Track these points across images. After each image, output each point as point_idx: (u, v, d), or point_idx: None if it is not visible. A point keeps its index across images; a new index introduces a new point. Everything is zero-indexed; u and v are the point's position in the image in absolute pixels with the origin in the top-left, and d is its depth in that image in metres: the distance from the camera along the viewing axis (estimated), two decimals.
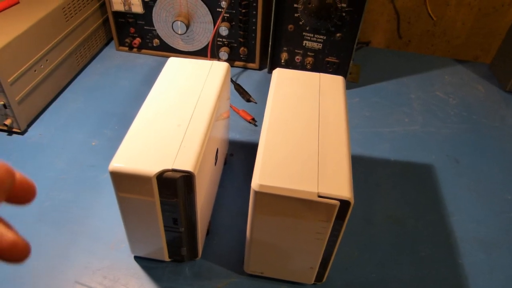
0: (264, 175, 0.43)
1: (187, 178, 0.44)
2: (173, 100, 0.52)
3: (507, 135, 0.78)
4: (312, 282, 0.52)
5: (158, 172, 0.43)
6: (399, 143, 0.75)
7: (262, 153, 0.45)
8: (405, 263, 0.56)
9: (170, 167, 0.43)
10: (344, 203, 0.42)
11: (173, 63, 0.59)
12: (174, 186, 0.44)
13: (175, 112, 0.50)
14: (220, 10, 0.82)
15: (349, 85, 0.88)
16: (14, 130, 0.71)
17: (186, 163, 0.44)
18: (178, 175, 0.43)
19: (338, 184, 0.43)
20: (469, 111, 0.83)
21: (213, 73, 0.57)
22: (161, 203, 0.46)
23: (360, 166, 0.70)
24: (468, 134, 0.78)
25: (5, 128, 0.71)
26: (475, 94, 0.89)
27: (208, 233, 0.58)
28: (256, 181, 0.42)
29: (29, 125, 0.73)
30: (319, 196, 0.42)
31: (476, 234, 0.60)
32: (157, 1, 0.83)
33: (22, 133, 0.71)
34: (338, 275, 0.54)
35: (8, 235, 0.23)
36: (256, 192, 0.42)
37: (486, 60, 1.10)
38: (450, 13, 1.06)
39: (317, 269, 0.50)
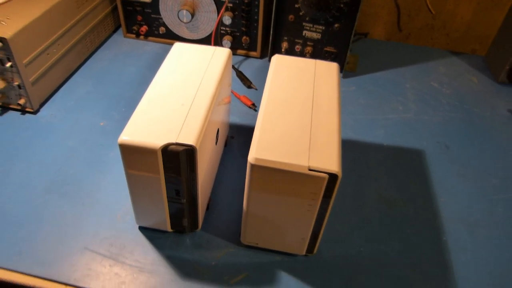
0: (260, 149, 0.47)
1: (190, 152, 0.48)
2: (177, 81, 0.56)
3: (497, 124, 0.81)
4: (304, 253, 0.56)
5: (163, 145, 0.47)
6: (393, 129, 0.78)
7: (259, 131, 0.49)
8: (393, 239, 0.60)
9: (174, 141, 0.47)
10: (333, 176, 0.46)
11: (179, 48, 0.62)
12: (177, 159, 0.48)
13: (179, 93, 0.54)
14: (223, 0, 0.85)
15: (346, 74, 0.91)
16: (27, 109, 0.75)
17: (188, 138, 0.48)
18: (181, 148, 0.47)
19: (328, 159, 0.46)
20: (461, 100, 0.87)
21: (215, 57, 0.60)
22: (165, 175, 0.50)
23: (354, 150, 0.73)
24: (459, 122, 0.81)
25: (18, 107, 0.75)
26: (468, 84, 0.92)
27: (208, 208, 0.62)
28: (253, 155, 0.46)
29: (41, 106, 0.77)
30: (310, 170, 0.45)
31: (461, 215, 0.64)
32: None
33: (35, 112, 0.76)
34: (328, 248, 0.58)
35: None
36: (252, 165, 0.46)
37: (483, 53, 1.13)
38: (449, 6, 1.08)
39: (308, 241, 0.54)
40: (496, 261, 0.58)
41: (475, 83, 0.92)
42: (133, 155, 0.48)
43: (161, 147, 0.47)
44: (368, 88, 0.88)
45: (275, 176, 0.47)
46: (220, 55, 0.61)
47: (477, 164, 0.73)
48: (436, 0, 1.07)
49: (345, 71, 0.92)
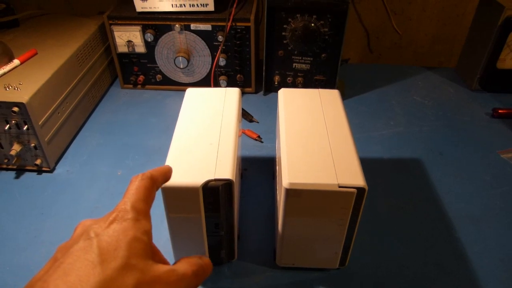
0: (292, 175, 0.51)
1: (228, 185, 0.52)
2: (200, 123, 0.60)
3: (478, 127, 0.90)
4: (337, 266, 0.60)
5: (204, 182, 0.51)
6: (388, 143, 0.85)
7: (286, 158, 0.54)
8: (411, 242, 0.65)
9: (213, 178, 0.51)
10: (360, 190, 0.51)
11: (192, 93, 0.67)
12: (217, 194, 0.52)
13: (204, 133, 0.58)
14: (216, 43, 0.91)
15: None
16: (43, 169, 0.77)
17: (225, 173, 0.52)
18: (220, 183, 0.51)
19: (353, 175, 0.52)
20: (443, 110, 0.95)
21: (228, 97, 0.66)
22: (206, 210, 0.53)
23: None
24: (446, 129, 0.89)
25: (35, 168, 0.77)
26: (446, 95, 1.01)
27: (239, 237, 0.65)
28: (287, 181, 0.51)
29: (56, 163, 0.80)
30: (340, 187, 0.50)
31: (465, 212, 0.70)
32: (159, 41, 0.92)
33: (51, 171, 0.78)
34: (357, 259, 0.62)
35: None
36: (287, 190, 0.51)
37: (449, 64, 1.23)
38: (413, 25, 1.19)
39: (340, 254, 0.58)
40: (504, 248, 0.64)
41: (451, 92, 1.01)
42: (175, 197, 0.52)
43: (202, 184, 0.51)
44: (359, 109, 0.95)
45: (308, 197, 0.51)
46: (232, 94, 0.66)
47: (469, 164, 0.80)
48: (400, 21, 1.18)
49: None
